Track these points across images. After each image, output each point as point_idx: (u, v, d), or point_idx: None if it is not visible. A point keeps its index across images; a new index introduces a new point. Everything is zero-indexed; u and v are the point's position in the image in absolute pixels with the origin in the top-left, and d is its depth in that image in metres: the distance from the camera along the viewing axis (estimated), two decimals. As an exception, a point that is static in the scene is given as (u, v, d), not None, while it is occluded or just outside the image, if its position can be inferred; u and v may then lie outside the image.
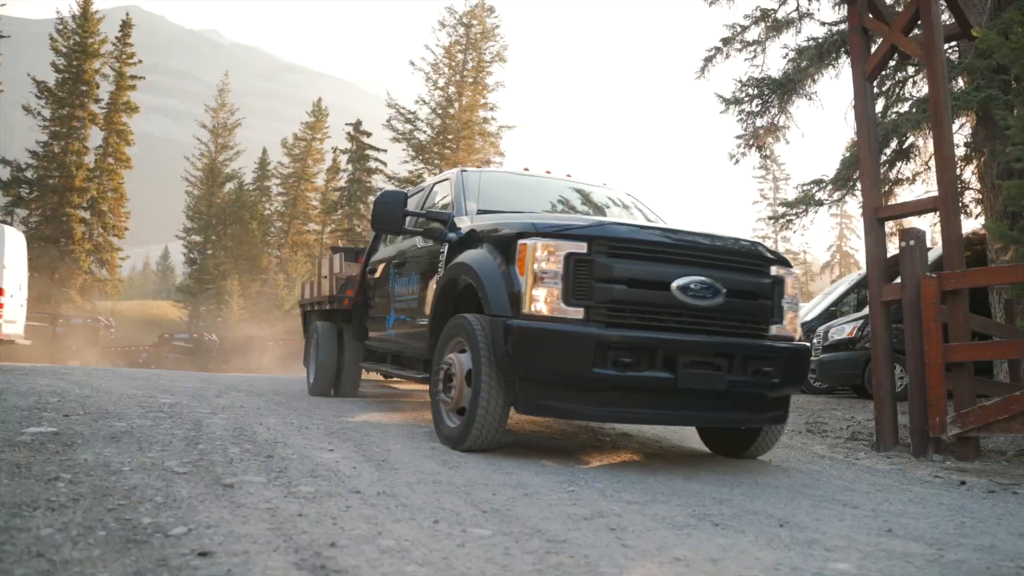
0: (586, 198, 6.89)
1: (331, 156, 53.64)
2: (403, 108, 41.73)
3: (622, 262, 4.36)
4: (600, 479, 4.11)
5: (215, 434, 4.56)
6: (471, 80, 42.24)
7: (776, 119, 10.55)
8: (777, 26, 10.64)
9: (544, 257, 4.33)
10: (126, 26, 41.08)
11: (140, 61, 41.16)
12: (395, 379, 9.98)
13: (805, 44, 10.24)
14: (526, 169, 7.20)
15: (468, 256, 4.94)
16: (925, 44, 6.76)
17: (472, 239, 5.12)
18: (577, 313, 4.30)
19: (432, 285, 5.64)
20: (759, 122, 10.53)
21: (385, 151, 46.48)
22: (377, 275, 7.59)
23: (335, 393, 8.58)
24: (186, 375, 13.09)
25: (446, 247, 5.46)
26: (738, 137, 10.81)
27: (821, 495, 4.19)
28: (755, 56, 11.00)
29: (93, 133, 39.23)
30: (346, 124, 47.37)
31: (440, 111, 41.98)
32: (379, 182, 46.29)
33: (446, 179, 6.57)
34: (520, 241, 4.47)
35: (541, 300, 4.31)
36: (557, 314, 4.29)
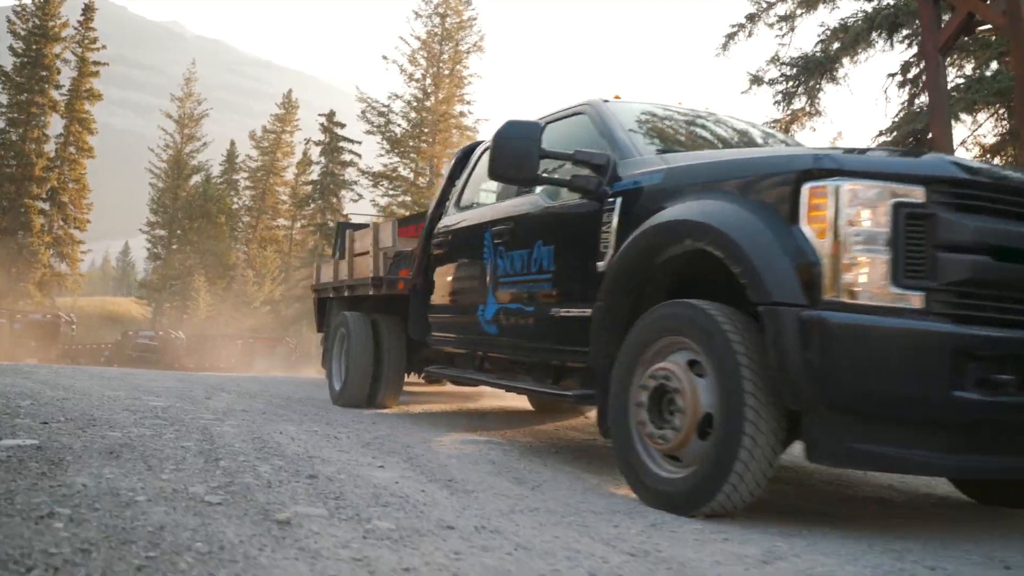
0: (765, 138, 5.06)
1: (301, 149, 52.47)
2: (375, 100, 40.79)
3: (983, 220, 2.75)
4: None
5: (233, 446, 3.73)
6: (447, 72, 41.42)
7: (814, 102, 9.87)
8: (812, 1, 9.96)
9: (859, 208, 2.70)
10: (88, 9, 39.55)
11: (103, 47, 39.69)
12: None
13: (849, 19, 9.55)
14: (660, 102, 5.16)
15: (693, 210, 3.21)
16: (1009, 11, 6.10)
17: (672, 189, 3.42)
18: (913, 300, 2.66)
19: (589, 259, 3.81)
20: (796, 104, 9.83)
21: (360, 143, 45.49)
22: (450, 250, 5.66)
23: (369, 404, 6.59)
24: (160, 375, 12.14)
25: (617, 202, 3.66)
26: (774, 122, 10.07)
27: None
28: (785, 34, 10.33)
29: (53, 121, 37.70)
30: (319, 115, 46.29)
31: (416, 103, 41.11)
32: (352, 175, 45.33)
33: (573, 114, 4.64)
34: (809, 185, 2.82)
35: (860, 278, 2.68)
36: (885, 301, 2.66)
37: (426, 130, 40.93)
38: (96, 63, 39.14)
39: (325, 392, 9.10)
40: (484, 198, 5.72)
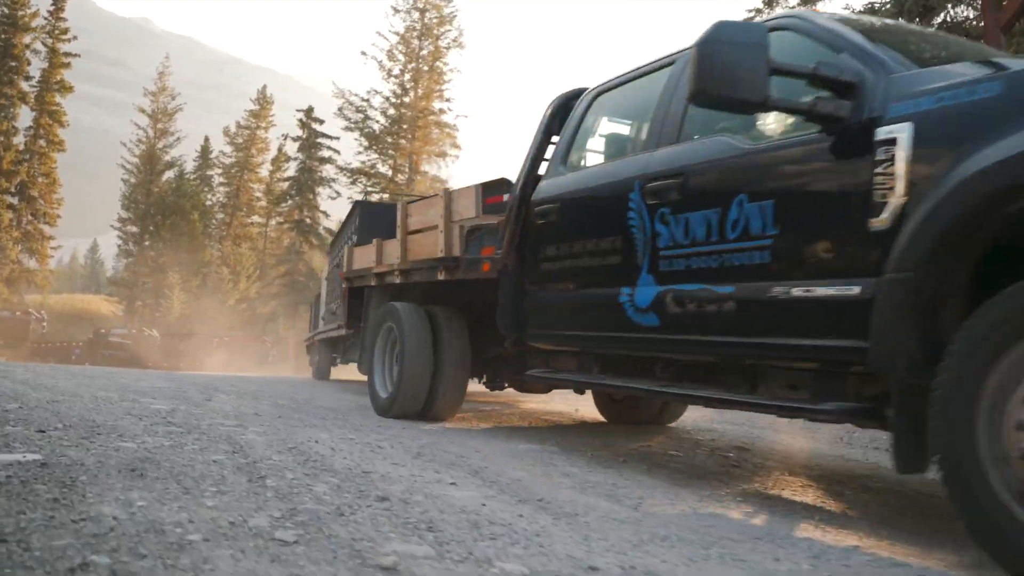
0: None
1: (276, 146, 51.50)
2: (354, 94, 40.10)
3: None
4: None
5: (270, 459, 3.14)
6: (426, 68, 40.74)
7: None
8: (841, -20, 9.50)
9: None
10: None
11: (75, 37, 38.58)
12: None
13: (877, 3, 9.07)
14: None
15: None
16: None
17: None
18: None
19: (852, 214, 2.65)
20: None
21: (338, 139, 44.73)
22: (564, 218, 4.36)
23: (423, 415, 5.37)
24: (143, 374, 11.46)
25: (904, 131, 2.51)
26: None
27: None
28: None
29: (23, 113, 36.54)
30: (297, 111, 45.43)
31: (395, 99, 40.43)
32: (331, 172, 44.59)
33: (773, 29, 3.18)
34: None
35: None
36: None
37: (405, 126, 40.23)
38: (67, 54, 38.01)
39: (331, 394, 8.53)
40: (613, 151, 4.54)
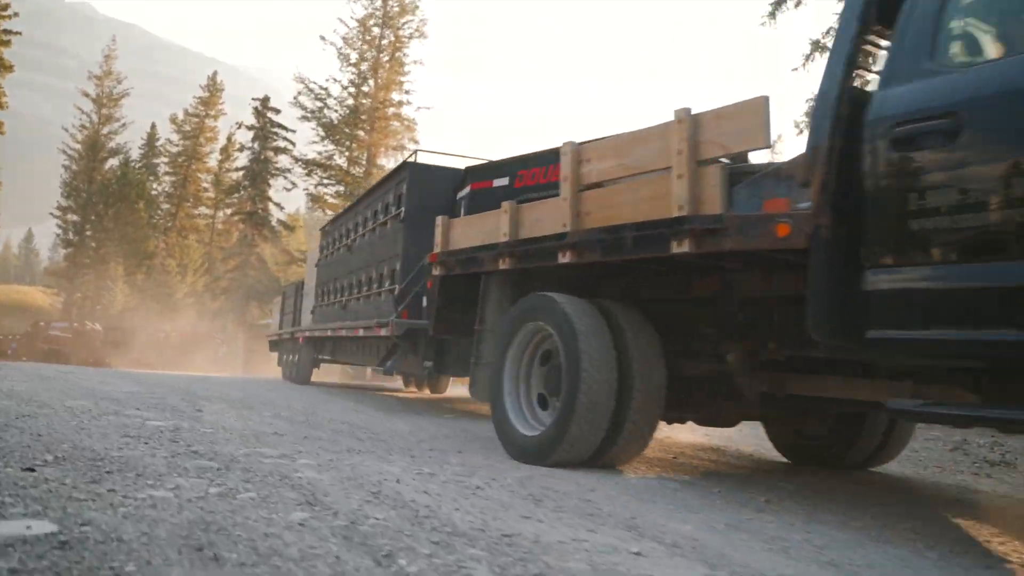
0: None
1: (226, 135, 49.71)
2: (312, 82, 38.87)
3: None
4: None
5: (369, 517, 2.23)
6: (387, 58, 39.59)
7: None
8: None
9: None
10: (-2, -27, 36.21)
11: (16, 14, 36.48)
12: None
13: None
14: None
15: None
16: None
17: None
18: None
19: None
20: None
21: (294, 131, 43.34)
22: (970, 143, 2.59)
23: (595, 459, 3.76)
24: (97, 373, 10.38)
25: None
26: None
27: None
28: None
29: (-43, 92, 34.38)
30: (253, 99, 43.81)
31: (353, 89, 39.25)
32: (286, 162, 43.20)
33: None
34: None
35: None
36: None
37: (363, 117, 39.06)
38: (8, 32, 35.92)
39: (329, 402, 7.56)
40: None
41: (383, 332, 7.48)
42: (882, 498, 3.70)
